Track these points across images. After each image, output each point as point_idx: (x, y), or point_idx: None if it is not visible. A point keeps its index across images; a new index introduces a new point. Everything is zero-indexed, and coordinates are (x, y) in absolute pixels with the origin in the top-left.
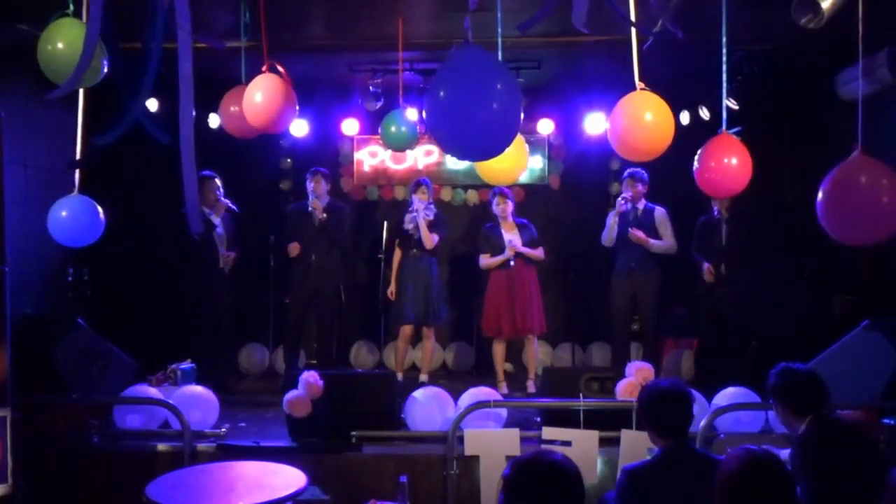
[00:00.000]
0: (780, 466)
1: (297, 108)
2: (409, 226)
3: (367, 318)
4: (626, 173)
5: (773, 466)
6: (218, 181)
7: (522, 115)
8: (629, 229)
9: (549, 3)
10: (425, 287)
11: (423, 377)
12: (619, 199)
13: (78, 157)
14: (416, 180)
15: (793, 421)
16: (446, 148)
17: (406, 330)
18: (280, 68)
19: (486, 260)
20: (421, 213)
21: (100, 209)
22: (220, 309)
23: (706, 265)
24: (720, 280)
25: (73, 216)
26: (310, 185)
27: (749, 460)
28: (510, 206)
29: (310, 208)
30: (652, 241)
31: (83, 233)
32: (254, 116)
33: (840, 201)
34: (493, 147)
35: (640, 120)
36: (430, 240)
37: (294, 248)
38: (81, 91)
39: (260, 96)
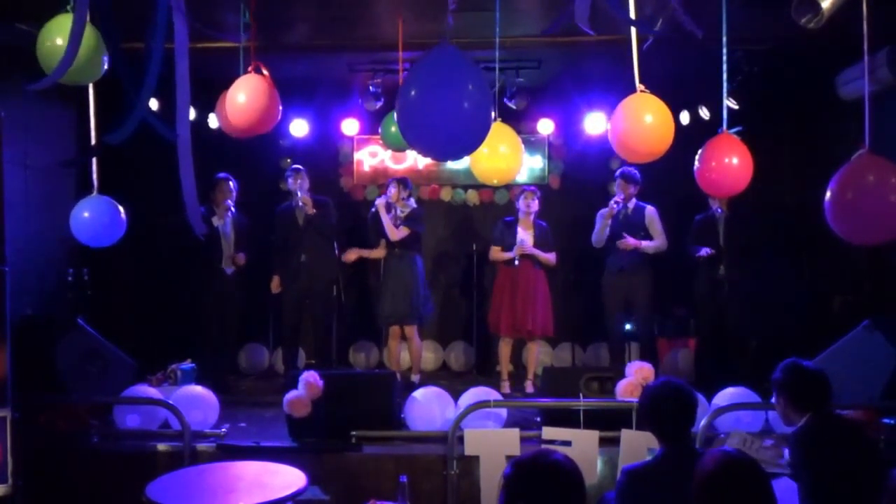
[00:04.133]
0: (754, 467)
1: (281, 107)
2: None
3: (367, 317)
4: (617, 173)
5: (747, 467)
6: (231, 184)
7: (494, 115)
8: (619, 240)
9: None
10: (405, 286)
11: (414, 377)
12: (612, 201)
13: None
14: (398, 177)
15: (792, 415)
16: (416, 147)
17: (395, 330)
18: (264, 70)
19: (494, 253)
20: (382, 204)
21: (121, 209)
22: (224, 309)
23: (704, 250)
24: (720, 280)
25: (95, 217)
26: (294, 183)
27: (723, 461)
28: (536, 204)
29: (300, 204)
30: (644, 243)
31: (105, 233)
32: (236, 118)
33: (849, 201)
34: (463, 146)
35: (640, 122)
36: (393, 231)
37: (276, 287)
38: (91, 91)
39: (242, 97)
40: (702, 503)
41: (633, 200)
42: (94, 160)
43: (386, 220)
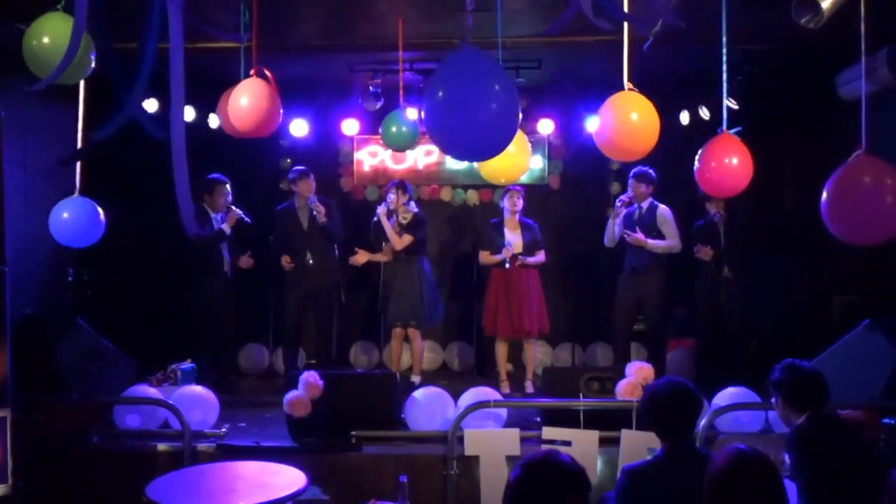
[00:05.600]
0: (768, 465)
1: (282, 111)
2: (378, 217)
3: (367, 318)
4: (631, 172)
5: (761, 465)
6: (228, 186)
7: (521, 115)
8: (626, 232)
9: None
10: (410, 289)
11: (415, 378)
12: (618, 200)
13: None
14: (395, 181)
15: (791, 416)
16: (444, 149)
17: (397, 331)
18: (267, 72)
19: (484, 257)
20: (384, 213)
21: (100, 210)
22: (223, 310)
23: (699, 248)
24: (722, 281)
25: (74, 217)
26: (303, 187)
27: (737, 458)
28: (520, 203)
29: (314, 213)
30: (651, 241)
31: (84, 234)
32: (238, 120)
33: (844, 201)
34: (491, 147)
35: (625, 120)
36: (397, 240)
37: (287, 264)
38: (82, 88)
39: (245, 100)
40: (714, 500)
41: (649, 200)
42: (79, 162)
43: (389, 228)
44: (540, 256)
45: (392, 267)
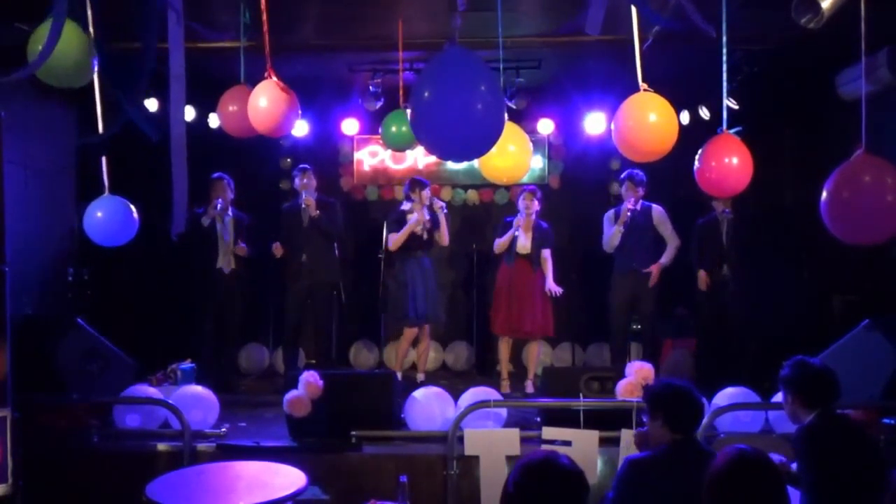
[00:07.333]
0: (768, 465)
1: (300, 111)
2: (419, 228)
3: (367, 317)
4: (624, 175)
5: (761, 465)
6: (225, 182)
7: (507, 116)
8: (630, 242)
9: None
10: (427, 287)
11: (421, 376)
12: (625, 208)
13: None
14: (421, 180)
15: (800, 413)
16: (430, 149)
17: (411, 332)
18: (275, 77)
19: (497, 242)
20: (441, 211)
21: (133, 209)
22: (224, 309)
23: (701, 272)
24: (722, 281)
25: (107, 217)
26: (299, 182)
27: (737, 459)
28: (536, 205)
29: (302, 205)
30: (664, 260)
31: (118, 232)
32: (259, 122)
33: (844, 201)
34: (475, 148)
35: (644, 121)
36: (445, 237)
37: (277, 250)
38: (98, 93)
39: (265, 101)
40: (715, 499)
41: (640, 201)
42: (104, 161)
43: (444, 225)
44: (546, 255)
45: (410, 266)
